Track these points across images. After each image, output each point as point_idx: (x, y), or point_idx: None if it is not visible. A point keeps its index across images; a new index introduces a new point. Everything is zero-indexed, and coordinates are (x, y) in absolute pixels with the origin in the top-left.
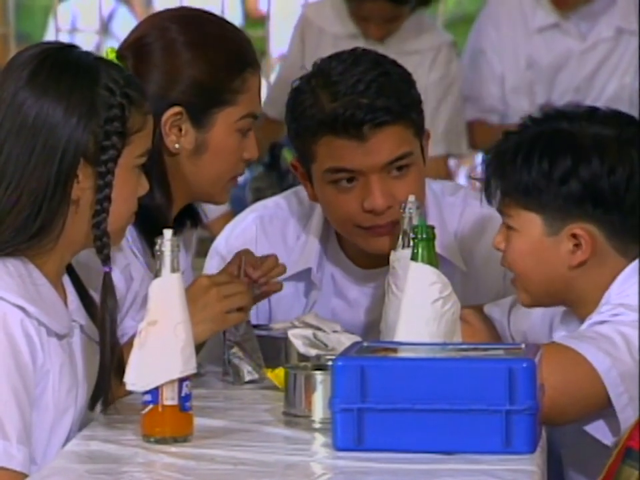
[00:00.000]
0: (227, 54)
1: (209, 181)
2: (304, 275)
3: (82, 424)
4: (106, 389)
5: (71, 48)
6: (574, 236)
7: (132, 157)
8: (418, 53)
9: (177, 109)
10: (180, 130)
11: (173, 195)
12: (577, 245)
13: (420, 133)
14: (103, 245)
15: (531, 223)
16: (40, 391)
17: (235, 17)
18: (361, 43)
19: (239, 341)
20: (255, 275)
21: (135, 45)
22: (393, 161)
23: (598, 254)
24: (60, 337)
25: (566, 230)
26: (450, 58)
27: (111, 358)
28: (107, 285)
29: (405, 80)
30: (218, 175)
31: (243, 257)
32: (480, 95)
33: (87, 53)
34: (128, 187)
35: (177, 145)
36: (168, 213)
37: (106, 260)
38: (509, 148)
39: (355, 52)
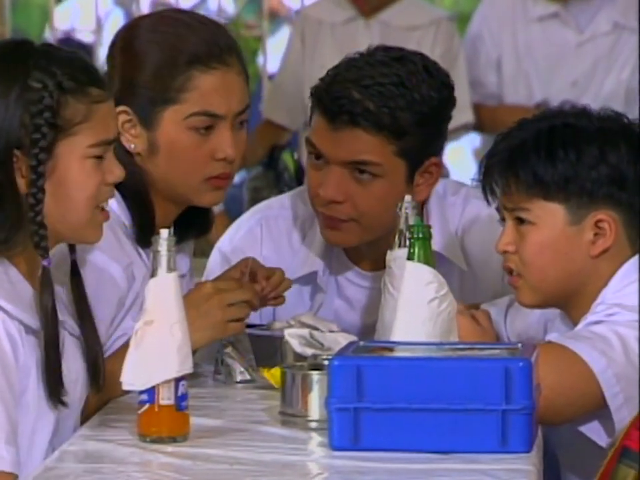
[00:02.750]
0: (170, 52)
1: (177, 181)
2: (309, 278)
3: (74, 423)
4: (58, 382)
5: (23, 43)
6: (597, 224)
7: (82, 147)
8: (419, 28)
9: (120, 107)
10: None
11: (152, 196)
12: (597, 235)
13: (410, 155)
14: (40, 238)
15: (553, 213)
16: (21, 389)
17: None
18: (359, 25)
19: (233, 341)
20: (263, 286)
21: (112, 43)
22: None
23: (616, 243)
24: (37, 333)
25: (589, 218)
26: (451, 31)
27: (55, 354)
28: (45, 281)
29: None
30: (184, 175)
31: (251, 263)
32: (479, 81)
33: (30, 44)
34: (82, 177)
35: (132, 145)
36: (149, 203)
37: (44, 254)
38: (525, 143)
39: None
